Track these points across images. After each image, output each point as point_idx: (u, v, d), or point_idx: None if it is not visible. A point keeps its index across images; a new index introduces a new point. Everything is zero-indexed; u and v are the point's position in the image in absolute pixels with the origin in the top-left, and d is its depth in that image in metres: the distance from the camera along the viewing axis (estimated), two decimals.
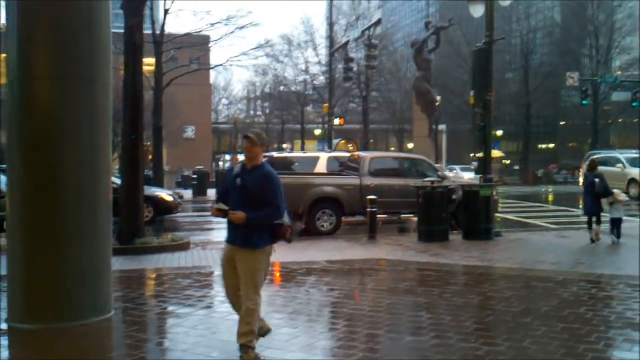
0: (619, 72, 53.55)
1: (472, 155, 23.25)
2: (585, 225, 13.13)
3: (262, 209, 5.36)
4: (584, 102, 40.50)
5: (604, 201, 12.71)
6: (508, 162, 61.32)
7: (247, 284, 5.41)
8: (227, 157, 65.12)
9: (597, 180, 12.64)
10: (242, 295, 5.43)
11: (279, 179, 5.49)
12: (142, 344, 6.14)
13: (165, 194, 18.48)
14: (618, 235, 12.67)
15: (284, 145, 64.80)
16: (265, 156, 20.13)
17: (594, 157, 25.51)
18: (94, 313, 6.83)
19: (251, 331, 5.40)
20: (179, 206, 19.06)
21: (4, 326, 6.69)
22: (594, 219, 12.78)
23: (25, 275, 6.75)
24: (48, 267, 6.70)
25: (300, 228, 15.38)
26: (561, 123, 67.52)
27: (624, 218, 13.14)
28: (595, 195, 12.64)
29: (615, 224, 12.72)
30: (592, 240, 12.67)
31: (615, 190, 12.93)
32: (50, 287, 6.69)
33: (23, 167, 6.82)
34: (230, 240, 5.50)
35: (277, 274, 10.11)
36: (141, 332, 6.65)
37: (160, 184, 24.43)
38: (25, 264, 6.78)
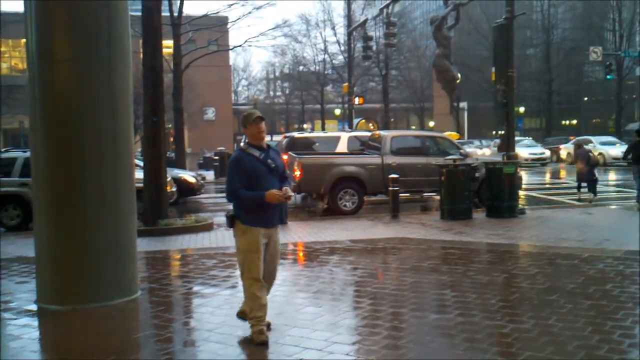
0: None
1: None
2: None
3: (283, 185, 5.53)
4: (608, 77, 39.92)
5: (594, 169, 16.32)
6: (530, 139, 60.61)
7: (279, 258, 5.77)
8: None
9: (590, 154, 16.32)
10: (271, 270, 5.64)
11: None
12: (169, 324, 6.19)
13: (188, 176, 18.60)
14: (595, 194, 16.07)
15: (305, 126, 64.71)
16: (286, 136, 20.20)
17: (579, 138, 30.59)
18: (120, 294, 6.93)
19: None
20: (201, 187, 19.21)
21: (34, 307, 6.81)
22: (582, 184, 16.42)
23: (52, 258, 6.85)
24: (73, 250, 6.80)
25: (323, 208, 15.37)
26: (584, 99, 66.57)
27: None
28: (592, 165, 16.07)
29: (593, 185, 16.16)
30: (581, 200, 16.10)
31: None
32: (77, 270, 6.79)
33: (46, 152, 6.89)
34: (269, 223, 5.47)
35: (301, 254, 10.15)
36: (167, 312, 6.70)
37: (182, 166, 24.56)
38: (51, 247, 6.88)
